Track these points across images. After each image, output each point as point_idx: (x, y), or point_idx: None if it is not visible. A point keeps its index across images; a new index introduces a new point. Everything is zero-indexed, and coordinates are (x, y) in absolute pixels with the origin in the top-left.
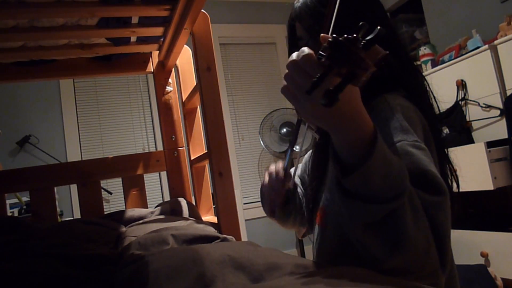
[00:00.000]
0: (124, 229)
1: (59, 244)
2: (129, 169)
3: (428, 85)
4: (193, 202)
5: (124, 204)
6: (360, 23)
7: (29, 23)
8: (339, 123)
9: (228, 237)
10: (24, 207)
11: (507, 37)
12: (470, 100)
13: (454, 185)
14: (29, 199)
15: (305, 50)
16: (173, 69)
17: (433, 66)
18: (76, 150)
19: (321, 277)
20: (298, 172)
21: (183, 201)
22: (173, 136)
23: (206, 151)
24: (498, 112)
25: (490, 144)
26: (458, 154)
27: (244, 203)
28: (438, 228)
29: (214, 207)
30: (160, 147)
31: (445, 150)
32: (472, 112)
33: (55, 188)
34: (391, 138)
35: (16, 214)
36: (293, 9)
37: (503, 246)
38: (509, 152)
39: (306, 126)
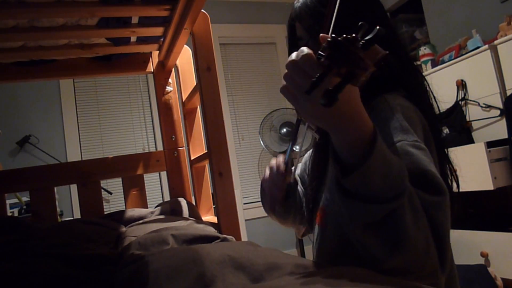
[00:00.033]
0: (124, 229)
1: (59, 244)
2: (129, 169)
3: (428, 85)
4: (193, 202)
5: (124, 204)
6: (360, 23)
7: (29, 23)
8: (339, 123)
9: (228, 237)
10: (24, 207)
11: (507, 37)
12: (470, 100)
13: (454, 185)
14: (29, 199)
15: (304, 50)
16: (173, 69)
17: (433, 66)
18: (76, 150)
19: (321, 277)
20: (298, 171)
21: (183, 201)
22: (173, 136)
23: (206, 151)
24: (498, 112)
25: (490, 144)
26: (458, 154)
27: (244, 203)
28: (437, 228)
29: (214, 207)
30: (160, 147)
31: (445, 150)
32: (472, 112)
33: (55, 188)
34: (391, 138)
35: (16, 214)
36: (293, 9)
37: (503, 246)
38: (509, 152)
39: (306, 126)
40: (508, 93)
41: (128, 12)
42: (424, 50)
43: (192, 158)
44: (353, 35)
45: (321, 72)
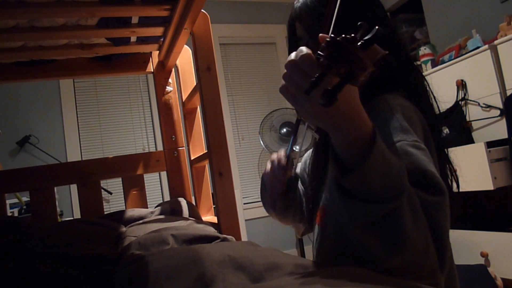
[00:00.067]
0: (124, 229)
1: (59, 244)
2: (129, 169)
3: (428, 85)
4: (193, 202)
5: (124, 204)
6: (359, 23)
7: (29, 23)
8: (338, 123)
9: (228, 237)
10: (24, 207)
11: (507, 37)
12: (470, 100)
13: (454, 185)
14: (29, 199)
15: (303, 49)
16: (173, 69)
17: (433, 66)
18: (76, 150)
19: (320, 277)
20: (297, 171)
21: (183, 201)
22: (173, 136)
23: (206, 151)
24: (498, 112)
25: (490, 144)
26: (458, 154)
27: (244, 203)
28: (437, 228)
29: (214, 207)
30: (160, 147)
31: (445, 150)
32: (472, 112)
33: (55, 188)
34: (390, 138)
35: (16, 214)
36: (293, 9)
37: (503, 246)
38: (509, 152)
39: (306, 126)
40: (508, 93)
41: (128, 12)
42: (424, 50)
43: (192, 158)
44: (352, 35)
45: (320, 72)
